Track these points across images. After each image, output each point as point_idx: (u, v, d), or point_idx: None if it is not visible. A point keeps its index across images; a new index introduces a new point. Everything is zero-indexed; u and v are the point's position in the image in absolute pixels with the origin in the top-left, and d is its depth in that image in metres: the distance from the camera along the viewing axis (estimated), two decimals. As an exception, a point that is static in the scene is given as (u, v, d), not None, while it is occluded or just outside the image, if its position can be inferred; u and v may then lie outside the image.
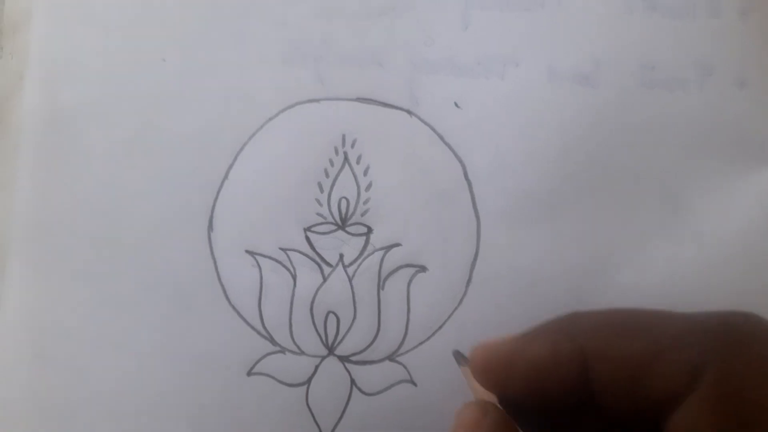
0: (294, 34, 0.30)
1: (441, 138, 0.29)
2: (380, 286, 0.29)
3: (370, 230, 0.29)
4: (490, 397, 0.20)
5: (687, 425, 0.15)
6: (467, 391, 0.23)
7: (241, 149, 0.30)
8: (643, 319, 0.18)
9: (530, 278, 0.28)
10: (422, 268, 0.29)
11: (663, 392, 0.16)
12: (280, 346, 0.29)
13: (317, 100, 0.30)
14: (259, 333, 0.29)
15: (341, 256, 0.29)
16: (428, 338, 0.28)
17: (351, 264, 0.29)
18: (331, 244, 0.29)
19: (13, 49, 0.32)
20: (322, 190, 0.30)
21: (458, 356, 0.25)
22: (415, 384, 0.28)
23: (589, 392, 0.18)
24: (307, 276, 0.29)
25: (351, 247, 0.29)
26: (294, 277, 0.29)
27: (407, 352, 0.29)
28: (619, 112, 0.28)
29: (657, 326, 0.17)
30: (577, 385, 0.18)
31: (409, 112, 0.29)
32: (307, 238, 0.29)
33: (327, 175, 0.30)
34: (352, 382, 0.29)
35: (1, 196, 0.31)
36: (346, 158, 0.30)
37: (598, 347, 0.17)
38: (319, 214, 0.30)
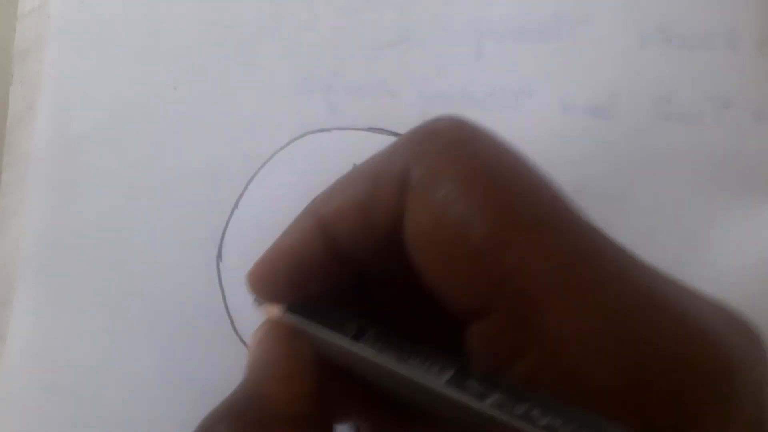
0: (305, 64, 0.30)
1: (453, 169, 0.29)
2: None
3: (380, 262, 0.29)
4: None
5: (419, 224, 0.15)
6: None
7: (252, 179, 0.30)
8: (361, 166, 0.18)
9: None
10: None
11: (387, 216, 0.16)
12: (288, 379, 0.29)
13: (328, 130, 0.30)
14: (267, 365, 0.29)
15: (351, 288, 0.29)
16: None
17: (361, 296, 0.29)
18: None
19: (23, 76, 0.32)
20: (332, 221, 0.29)
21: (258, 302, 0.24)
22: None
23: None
24: (317, 308, 0.29)
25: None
26: (303, 309, 0.29)
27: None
28: (634, 145, 0.28)
29: (372, 162, 0.17)
30: (330, 257, 0.17)
31: (420, 142, 0.29)
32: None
33: (337, 206, 0.29)
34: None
35: (11, 223, 0.31)
36: (356, 189, 0.29)
37: (331, 211, 0.17)
38: (328, 245, 0.29)
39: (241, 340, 0.29)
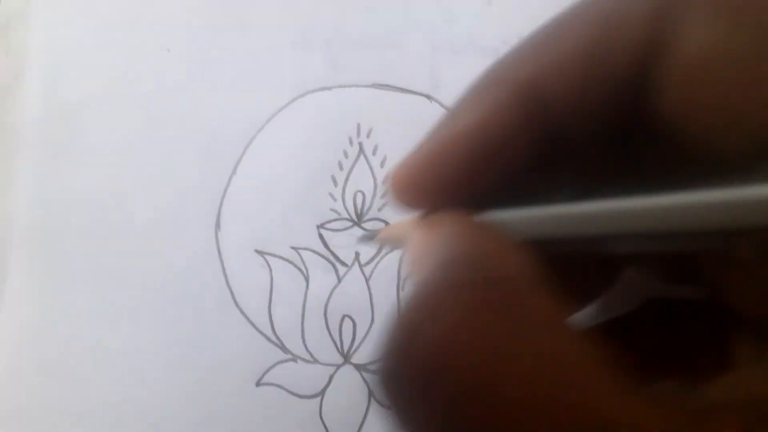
0: (303, 18, 0.28)
1: (464, 125, 0.27)
2: (400, 287, 0.27)
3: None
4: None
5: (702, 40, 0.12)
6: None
7: (250, 142, 0.28)
8: (564, 12, 0.13)
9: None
10: (445, 268, 0.26)
11: (636, 51, 0.12)
12: (291, 353, 0.27)
13: (329, 88, 0.28)
14: (269, 339, 0.27)
15: (357, 254, 0.27)
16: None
17: (368, 263, 0.27)
18: (346, 242, 0.27)
19: (9, 46, 0.31)
20: (336, 184, 0.27)
21: (366, 238, 0.19)
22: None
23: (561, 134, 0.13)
24: (321, 277, 0.27)
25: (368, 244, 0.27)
26: (306, 279, 0.27)
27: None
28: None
29: (584, 6, 0.13)
30: (529, 134, 0.13)
31: (428, 97, 0.27)
32: (321, 236, 0.27)
33: (341, 168, 0.28)
34: (371, 393, 0.26)
35: (2, 196, 0.30)
36: (361, 149, 0.27)
37: (533, 73, 0.13)
38: (333, 210, 0.27)
39: (242, 312, 0.27)
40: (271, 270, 0.27)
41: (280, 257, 0.27)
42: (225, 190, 0.28)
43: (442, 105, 0.27)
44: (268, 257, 0.28)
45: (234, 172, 0.28)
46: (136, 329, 0.28)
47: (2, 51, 0.30)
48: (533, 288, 0.11)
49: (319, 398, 0.26)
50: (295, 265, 0.27)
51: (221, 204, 0.28)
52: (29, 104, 0.30)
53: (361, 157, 0.27)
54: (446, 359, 0.10)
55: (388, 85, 0.27)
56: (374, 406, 0.26)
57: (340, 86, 0.28)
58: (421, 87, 0.27)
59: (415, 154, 0.14)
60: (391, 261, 0.27)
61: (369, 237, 0.18)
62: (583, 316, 0.17)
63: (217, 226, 0.28)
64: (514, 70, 0.13)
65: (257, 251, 0.28)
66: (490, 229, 0.13)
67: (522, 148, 0.13)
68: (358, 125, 0.28)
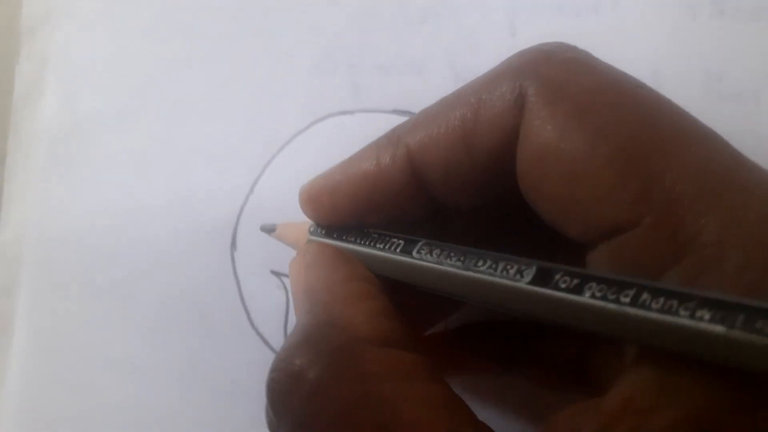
0: (327, 40, 0.28)
1: (484, 153, 0.27)
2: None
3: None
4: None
5: (537, 129, 0.14)
6: None
7: (268, 163, 0.28)
8: (452, 94, 0.17)
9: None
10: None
11: (491, 142, 0.15)
12: (307, 376, 0.27)
13: (351, 112, 0.28)
14: (284, 361, 0.27)
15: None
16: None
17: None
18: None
19: (30, 53, 0.31)
20: (354, 208, 0.28)
21: (267, 228, 0.24)
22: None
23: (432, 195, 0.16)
24: (337, 300, 0.27)
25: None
26: (323, 301, 0.27)
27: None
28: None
29: (467, 88, 0.16)
30: (411, 189, 0.16)
31: (449, 124, 0.27)
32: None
33: (360, 192, 0.28)
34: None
35: (15, 208, 0.30)
36: (380, 173, 0.27)
37: (420, 140, 0.16)
38: (350, 233, 0.27)
39: (257, 332, 0.27)
40: (287, 291, 0.27)
41: (297, 279, 0.28)
42: (241, 210, 0.28)
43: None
44: (284, 278, 0.28)
45: (251, 192, 0.28)
46: (150, 348, 0.28)
47: (24, 57, 0.30)
48: (373, 341, 0.14)
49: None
50: (312, 287, 0.27)
51: (237, 224, 0.28)
52: (47, 114, 0.30)
53: (381, 181, 0.27)
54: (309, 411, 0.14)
55: (409, 111, 0.27)
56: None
57: (362, 110, 0.28)
58: (442, 114, 0.27)
59: (319, 178, 0.18)
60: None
61: (268, 229, 0.23)
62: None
63: (233, 245, 0.28)
64: (410, 135, 0.16)
65: (273, 272, 0.28)
66: (344, 259, 0.17)
67: (407, 196, 0.16)
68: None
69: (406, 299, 0.17)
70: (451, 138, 0.15)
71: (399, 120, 0.28)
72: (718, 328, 0.11)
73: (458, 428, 0.13)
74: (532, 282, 0.13)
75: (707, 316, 0.11)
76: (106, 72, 0.30)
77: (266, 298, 0.28)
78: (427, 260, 0.15)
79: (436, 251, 0.15)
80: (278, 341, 0.27)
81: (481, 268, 0.14)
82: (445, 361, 0.21)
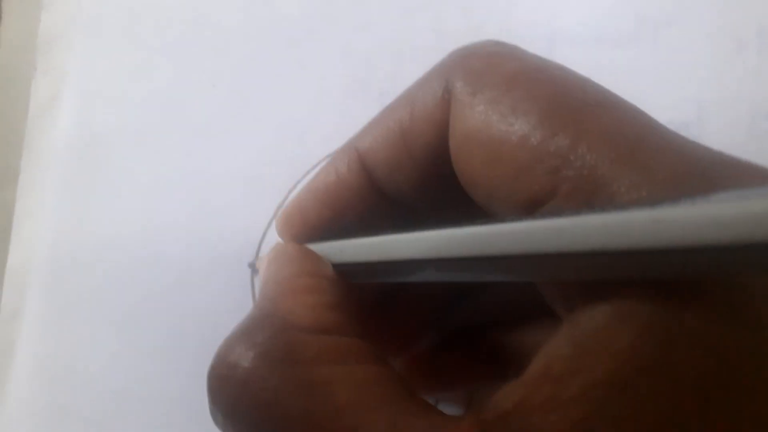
0: (358, 66, 0.28)
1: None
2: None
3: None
4: None
5: (470, 122, 0.15)
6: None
7: (294, 187, 0.28)
8: (395, 99, 0.18)
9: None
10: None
11: (428, 136, 0.16)
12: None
13: (380, 138, 0.27)
14: (301, 394, 0.26)
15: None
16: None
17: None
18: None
19: (47, 67, 0.30)
20: (380, 236, 0.27)
21: (252, 266, 0.25)
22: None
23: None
24: (359, 332, 0.26)
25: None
26: (344, 333, 0.26)
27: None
28: (726, 165, 0.25)
29: (406, 92, 0.17)
30: (369, 191, 0.18)
31: (481, 154, 0.26)
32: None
33: (386, 220, 0.27)
34: None
35: (27, 225, 0.29)
36: (408, 202, 0.27)
37: (368, 144, 0.18)
38: (375, 263, 0.27)
39: (275, 364, 0.26)
40: (307, 320, 0.27)
41: (318, 308, 0.27)
42: (264, 235, 0.28)
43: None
44: (305, 307, 0.27)
45: (275, 216, 0.28)
46: (165, 374, 0.27)
47: (41, 71, 0.30)
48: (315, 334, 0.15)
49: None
50: (333, 318, 0.26)
51: (259, 249, 0.28)
52: (62, 131, 0.30)
53: (407, 209, 0.27)
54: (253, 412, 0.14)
55: (440, 139, 0.27)
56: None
57: (391, 137, 0.27)
58: (474, 143, 0.26)
59: (290, 202, 0.20)
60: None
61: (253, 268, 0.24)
62: None
63: (254, 271, 0.27)
64: (359, 140, 0.18)
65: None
66: (302, 254, 0.18)
67: (367, 198, 0.18)
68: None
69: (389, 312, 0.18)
70: (392, 138, 0.17)
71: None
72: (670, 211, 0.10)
73: (395, 406, 0.13)
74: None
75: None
76: (126, 88, 0.30)
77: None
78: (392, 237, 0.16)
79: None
80: (296, 373, 0.26)
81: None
82: (429, 378, 0.22)
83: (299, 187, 0.28)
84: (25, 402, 0.27)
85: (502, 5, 0.27)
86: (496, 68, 0.15)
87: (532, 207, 0.14)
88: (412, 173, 0.17)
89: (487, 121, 0.14)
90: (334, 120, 0.28)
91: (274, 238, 0.27)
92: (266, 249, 0.27)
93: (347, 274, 0.18)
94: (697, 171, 0.12)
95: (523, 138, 0.14)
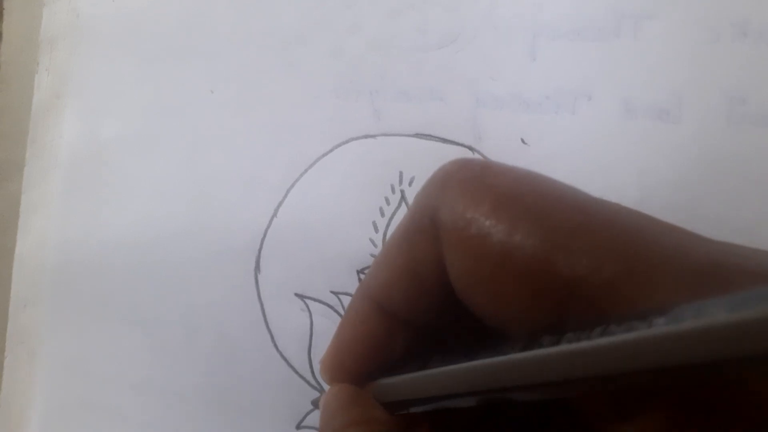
0: (349, 67, 0.28)
1: (505, 177, 0.27)
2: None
3: (427, 275, 0.27)
4: None
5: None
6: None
7: (292, 186, 0.29)
8: (394, 233, 0.18)
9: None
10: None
11: (434, 271, 0.16)
12: (330, 398, 0.27)
13: (373, 136, 0.28)
14: (308, 383, 0.27)
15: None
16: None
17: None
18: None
19: (50, 65, 0.31)
20: (376, 230, 0.28)
21: (314, 403, 0.26)
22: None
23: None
24: (360, 323, 0.27)
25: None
26: (346, 324, 0.28)
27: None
28: (704, 151, 0.26)
29: (401, 226, 0.17)
30: (394, 333, 0.18)
31: (471, 148, 0.27)
32: (361, 281, 0.28)
33: (382, 215, 0.28)
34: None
35: (35, 218, 0.30)
36: (402, 197, 0.28)
37: (379, 286, 0.18)
38: (373, 256, 0.28)
39: (281, 355, 0.28)
40: (310, 314, 0.28)
41: (320, 301, 0.28)
42: (265, 233, 0.29)
43: (484, 156, 0.27)
44: (307, 301, 0.28)
45: (275, 215, 0.29)
46: (175, 370, 0.28)
47: (44, 69, 0.30)
48: None
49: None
50: (335, 310, 0.28)
51: (261, 247, 0.29)
52: (67, 132, 0.31)
53: (403, 204, 0.28)
54: None
55: (431, 135, 0.28)
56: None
57: (384, 134, 0.28)
58: (463, 138, 0.27)
59: (328, 351, 0.20)
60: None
61: (316, 403, 0.24)
62: None
63: (257, 268, 0.29)
64: (369, 288, 0.18)
65: (297, 295, 0.28)
66: (355, 408, 0.18)
67: (392, 338, 0.18)
68: (401, 173, 0.28)
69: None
70: (403, 279, 0.17)
71: (421, 144, 0.28)
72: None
73: None
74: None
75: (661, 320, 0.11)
76: (127, 93, 0.30)
77: (290, 320, 0.28)
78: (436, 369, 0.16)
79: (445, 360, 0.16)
80: (301, 363, 0.27)
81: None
82: None
83: (297, 186, 0.29)
84: (49, 394, 0.29)
85: (484, 3, 0.27)
86: (477, 197, 0.15)
87: (547, 329, 0.14)
88: (432, 309, 0.17)
89: (481, 253, 0.14)
90: (328, 120, 0.29)
91: (275, 238, 0.29)
92: (269, 246, 0.29)
93: (400, 406, 0.18)
94: (700, 280, 0.12)
95: (525, 269, 0.14)
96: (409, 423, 0.18)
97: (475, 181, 0.15)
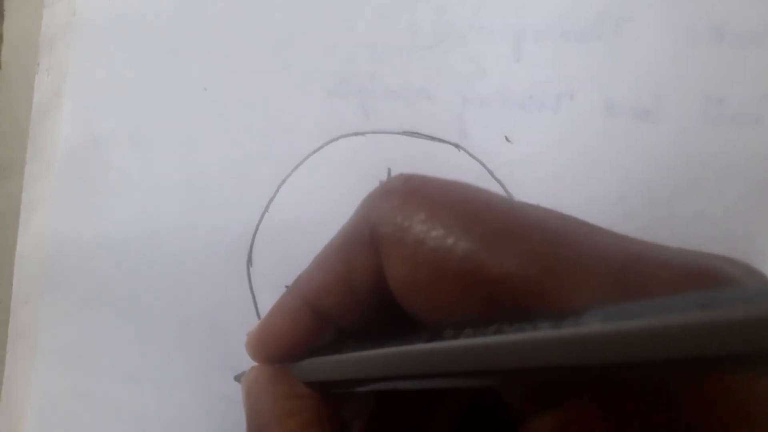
0: (340, 66, 0.29)
1: (491, 174, 0.28)
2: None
3: (414, 269, 0.28)
4: None
5: None
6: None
7: (283, 182, 0.29)
8: (333, 240, 0.19)
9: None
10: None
11: (367, 281, 0.17)
12: (319, 388, 0.28)
13: (362, 134, 0.29)
14: (298, 374, 0.28)
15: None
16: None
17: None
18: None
19: (50, 65, 0.32)
20: (365, 226, 0.29)
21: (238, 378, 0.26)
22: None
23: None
24: (349, 315, 0.28)
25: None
26: (335, 316, 0.28)
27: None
28: (682, 150, 0.26)
29: (341, 234, 0.18)
30: (323, 331, 0.19)
31: (457, 146, 0.28)
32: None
33: (371, 211, 0.29)
34: None
35: (34, 216, 0.31)
36: (390, 193, 0.29)
37: (313, 289, 0.19)
38: (361, 251, 0.29)
39: (272, 347, 0.28)
40: (301, 306, 0.29)
41: (310, 294, 0.29)
42: (257, 228, 0.29)
43: (469, 153, 0.28)
44: (298, 294, 0.29)
45: (266, 210, 0.29)
46: (167, 363, 0.29)
47: (44, 69, 0.31)
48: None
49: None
50: (324, 303, 0.28)
51: (253, 241, 0.29)
52: (65, 130, 0.31)
53: (391, 200, 0.29)
54: None
55: (418, 133, 0.28)
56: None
57: (373, 132, 0.29)
58: (450, 136, 0.28)
59: (252, 335, 0.20)
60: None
61: (239, 378, 0.24)
62: None
63: (249, 262, 0.29)
64: (302, 288, 0.19)
65: (288, 287, 0.29)
66: (275, 377, 0.19)
67: (317, 335, 0.19)
68: (389, 170, 0.29)
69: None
70: (336, 285, 0.18)
71: (408, 141, 0.29)
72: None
73: None
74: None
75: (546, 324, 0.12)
76: (123, 91, 0.31)
77: (281, 312, 0.29)
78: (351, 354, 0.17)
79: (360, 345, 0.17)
80: (292, 355, 0.28)
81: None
82: None
83: (288, 181, 0.29)
84: (46, 387, 0.29)
85: (471, 4, 0.28)
86: (414, 209, 0.16)
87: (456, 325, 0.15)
88: (362, 313, 0.18)
89: (418, 261, 0.15)
90: (319, 117, 0.29)
91: (266, 233, 0.29)
92: (261, 240, 0.29)
93: (324, 386, 0.19)
94: (618, 276, 0.13)
95: (457, 270, 0.14)
96: (345, 402, 0.19)
97: (414, 193, 0.16)
